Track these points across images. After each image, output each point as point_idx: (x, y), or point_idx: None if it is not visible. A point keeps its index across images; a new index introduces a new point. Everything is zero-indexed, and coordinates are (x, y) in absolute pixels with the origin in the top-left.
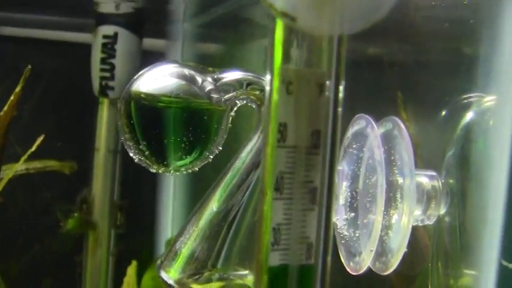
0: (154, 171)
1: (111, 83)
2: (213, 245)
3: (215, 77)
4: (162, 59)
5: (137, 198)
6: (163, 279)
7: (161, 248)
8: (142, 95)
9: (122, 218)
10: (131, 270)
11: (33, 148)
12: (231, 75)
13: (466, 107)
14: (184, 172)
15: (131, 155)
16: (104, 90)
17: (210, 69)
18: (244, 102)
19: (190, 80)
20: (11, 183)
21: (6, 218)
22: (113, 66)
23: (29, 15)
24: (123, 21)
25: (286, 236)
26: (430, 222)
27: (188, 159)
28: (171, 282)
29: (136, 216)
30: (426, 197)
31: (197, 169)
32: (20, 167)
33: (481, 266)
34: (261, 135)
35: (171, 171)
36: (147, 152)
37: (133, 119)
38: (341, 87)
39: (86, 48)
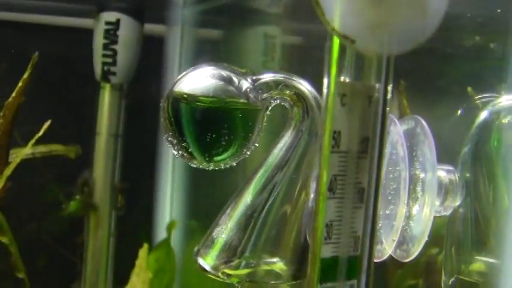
0: (194, 165)
1: (113, 69)
2: (245, 233)
3: (253, 77)
4: (162, 44)
5: (137, 181)
6: (200, 265)
7: (160, 230)
8: (184, 95)
9: (122, 200)
10: (143, 252)
11: (41, 133)
12: (267, 76)
13: (481, 106)
14: (223, 167)
15: (173, 151)
16: (106, 75)
17: (243, 70)
18: (277, 101)
19: (228, 81)
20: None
21: (8, 199)
22: (115, 52)
23: (31, 1)
24: (125, 7)
25: (338, 231)
26: (446, 213)
27: (226, 154)
28: (208, 268)
29: (136, 199)
30: (444, 190)
31: (234, 164)
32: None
33: (502, 255)
34: (293, 133)
35: (211, 166)
36: (190, 149)
37: (176, 118)
38: (388, 100)
39: (88, 34)
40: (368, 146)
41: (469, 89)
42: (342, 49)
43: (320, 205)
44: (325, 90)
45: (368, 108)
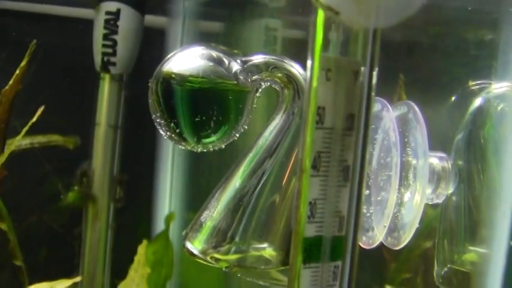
0: (183, 147)
1: (113, 59)
2: (234, 218)
3: (243, 59)
4: (163, 36)
5: (136, 172)
6: (188, 249)
7: (159, 222)
8: (173, 75)
9: (121, 192)
10: (142, 248)
11: (34, 119)
12: (258, 58)
13: (475, 93)
14: (211, 149)
15: (161, 132)
16: (106, 66)
17: (235, 51)
18: (268, 84)
19: (218, 61)
20: (13, 156)
21: (6, 190)
22: (115, 43)
23: None
24: None
25: (321, 210)
26: (439, 200)
27: (215, 137)
28: (195, 252)
29: (135, 191)
30: (436, 177)
31: (223, 146)
32: (24, 141)
33: (491, 243)
34: (284, 116)
35: (199, 148)
36: (177, 130)
37: (164, 98)
38: (374, 75)
39: (88, 24)
40: (354, 123)
41: (470, 82)
42: (330, 23)
43: (303, 183)
44: (309, 65)
45: (354, 84)
